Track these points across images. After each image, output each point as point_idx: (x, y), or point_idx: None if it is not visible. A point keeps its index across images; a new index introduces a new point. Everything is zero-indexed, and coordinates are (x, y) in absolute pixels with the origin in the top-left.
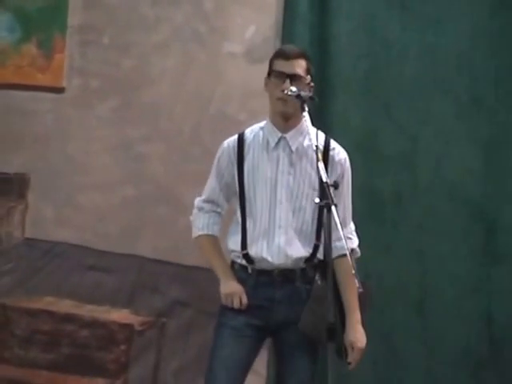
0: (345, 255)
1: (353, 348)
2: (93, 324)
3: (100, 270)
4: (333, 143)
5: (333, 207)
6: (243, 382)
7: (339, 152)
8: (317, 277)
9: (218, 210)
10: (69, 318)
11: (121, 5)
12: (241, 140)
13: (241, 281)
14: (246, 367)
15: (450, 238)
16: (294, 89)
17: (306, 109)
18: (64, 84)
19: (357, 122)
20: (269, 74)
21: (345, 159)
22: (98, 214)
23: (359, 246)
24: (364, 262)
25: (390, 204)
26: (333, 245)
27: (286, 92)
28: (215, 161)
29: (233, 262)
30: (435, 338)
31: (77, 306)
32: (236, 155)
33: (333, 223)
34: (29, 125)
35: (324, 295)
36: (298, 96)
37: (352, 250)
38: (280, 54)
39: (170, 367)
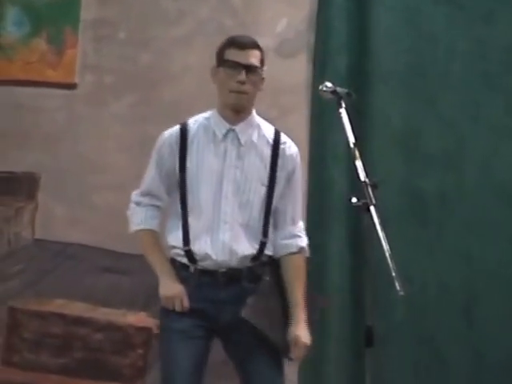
0: (295, 253)
1: (296, 344)
2: (108, 327)
3: (116, 272)
4: (283, 137)
5: (371, 207)
6: (202, 381)
7: (290, 146)
8: (265, 272)
9: (158, 203)
10: (82, 321)
11: (136, 1)
12: (184, 130)
13: (182, 280)
14: (201, 368)
15: (498, 241)
16: (329, 84)
17: (343, 105)
18: (76, 80)
19: (398, 119)
20: (218, 64)
21: (296, 154)
22: (113, 215)
23: (401, 247)
24: (406, 263)
25: (433, 204)
26: (283, 242)
27: (242, 87)
28: (154, 152)
29: (173, 260)
30: (482, 342)
31: (90, 309)
32: (179, 146)
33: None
34: (39, 123)
35: (270, 292)
36: (334, 92)
37: (302, 249)
38: (233, 43)
39: None
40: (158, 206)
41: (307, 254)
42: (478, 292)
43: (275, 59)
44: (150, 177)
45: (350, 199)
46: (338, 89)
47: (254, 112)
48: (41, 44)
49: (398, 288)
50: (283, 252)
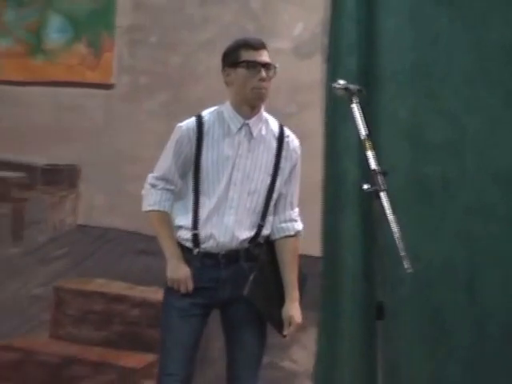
0: (291, 236)
1: (290, 322)
2: (143, 304)
3: (149, 254)
4: (287, 131)
5: (381, 193)
6: (195, 355)
7: (293, 140)
8: (262, 252)
9: (171, 187)
10: (120, 299)
11: (168, 6)
12: (200, 123)
13: (187, 261)
14: (196, 342)
15: (497, 221)
16: (341, 82)
17: (355, 101)
18: (113, 81)
19: (404, 113)
20: (232, 65)
21: (298, 147)
22: None
23: (408, 229)
24: (413, 244)
25: (437, 189)
26: (281, 225)
27: (263, 84)
28: (172, 142)
29: (178, 244)
30: (483, 314)
31: (128, 288)
32: (195, 136)
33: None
34: (79, 120)
35: (267, 269)
36: (346, 89)
37: (298, 232)
38: (247, 45)
39: (217, 344)
40: (171, 190)
41: (302, 236)
42: (479, 268)
43: (292, 60)
44: (167, 164)
45: (362, 186)
46: (350, 86)
47: (263, 108)
48: (80, 48)
49: (406, 266)
50: (281, 235)
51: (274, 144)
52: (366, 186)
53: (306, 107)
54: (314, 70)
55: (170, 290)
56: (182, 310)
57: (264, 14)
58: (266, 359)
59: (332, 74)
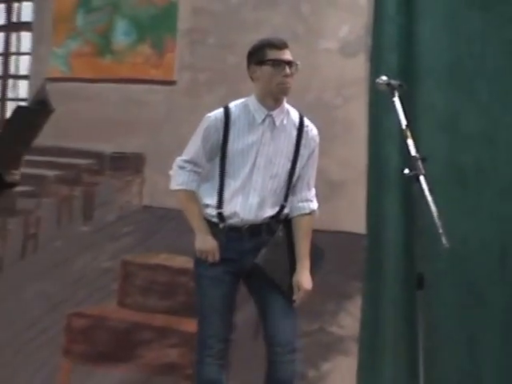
0: (307, 214)
1: (299, 288)
2: None
3: None
4: (306, 121)
5: (421, 177)
6: (231, 318)
7: (312, 129)
8: (280, 229)
9: (199, 170)
10: (182, 271)
11: (224, 10)
12: (227, 113)
13: (213, 235)
14: (231, 307)
15: None
16: (384, 78)
17: (396, 95)
18: (175, 78)
19: (440, 106)
20: (258, 63)
21: (316, 135)
22: None
23: (445, 209)
24: (450, 222)
25: (471, 174)
26: (299, 204)
27: (287, 79)
28: (201, 129)
29: (206, 219)
30: None
31: (188, 261)
32: (223, 125)
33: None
34: (144, 113)
35: (282, 244)
36: (389, 84)
37: (313, 211)
38: (272, 45)
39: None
40: (198, 173)
41: (317, 214)
42: (510, 245)
43: (339, 58)
44: (196, 148)
45: (403, 171)
46: (392, 81)
47: (285, 100)
48: (145, 49)
49: (443, 242)
50: (297, 213)
51: (294, 133)
52: (406, 171)
53: (351, 100)
54: (358, 67)
55: (199, 261)
56: (213, 278)
57: (312, 18)
58: (316, 325)
59: (375, 71)
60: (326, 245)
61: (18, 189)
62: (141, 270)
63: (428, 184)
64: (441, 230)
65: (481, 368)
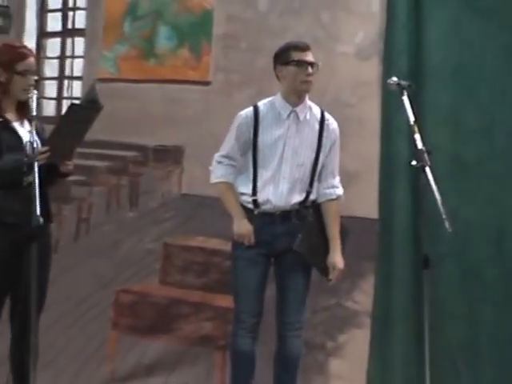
0: (333, 199)
1: (334, 268)
2: None
3: None
4: (327, 115)
5: (427, 168)
6: (263, 296)
7: (332, 122)
8: (310, 214)
9: (234, 163)
10: (217, 252)
11: (254, 18)
12: (256, 111)
13: (249, 220)
14: (263, 286)
15: None
16: (394, 79)
17: (405, 94)
18: (210, 78)
19: (444, 104)
20: (284, 63)
21: (336, 128)
22: None
23: (448, 197)
24: (453, 208)
25: (472, 165)
26: (325, 191)
27: (309, 78)
28: (234, 127)
29: (242, 206)
30: (509, 264)
31: (223, 243)
32: (253, 122)
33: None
34: (183, 110)
35: (314, 228)
36: (399, 84)
37: (339, 196)
38: (297, 47)
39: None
40: (234, 166)
41: (342, 199)
42: (506, 228)
43: (354, 61)
44: (230, 145)
45: (411, 162)
46: (401, 82)
47: (307, 97)
48: (184, 53)
49: (447, 226)
50: (325, 198)
51: (316, 126)
52: (414, 163)
53: (365, 99)
54: (371, 69)
55: (237, 244)
56: (248, 259)
57: (332, 25)
58: (333, 301)
59: (386, 73)
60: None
61: (72, 178)
62: (180, 251)
63: (433, 174)
64: (444, 216)
65: (479, 339)
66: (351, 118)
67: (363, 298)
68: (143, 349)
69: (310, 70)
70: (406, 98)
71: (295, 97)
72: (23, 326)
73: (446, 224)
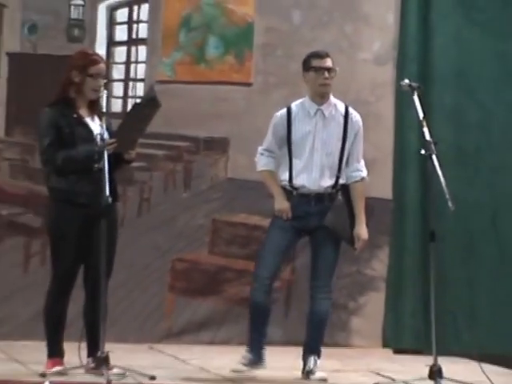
0: (358, 181)
1: (359, 239)
2: None
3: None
4: (350, 109)
5: (433, 156)
6: (283, 263)
7: (355, 116)
8: (339, 195)
9: (274, 155)
10: (257, 227)
11: (289, 29)
12: (289, 112)
13: (287, 199)
14: (283, 254)
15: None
16: (406, 81)
17: (416, 94)
18: (251, 80)
19: (448, 102)
20: (307, 69)
21: (359, 120)
22: None
23: (451, 180)
24: (454, 190)
25: (471, 154)
26: (351, 174)
27: (326, 81)
28: (271, 125)
29: (283, 188)
30: (502, 238)
31: (262, 220)
32: (286, 121)
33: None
34: (228, 107)
35: (342, 206)
36: (410, 86)
37: (363, 178)
38: (317, 56)
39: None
40: (274, 157)
41: (367, 180)
42: (500, 207)
43: (372, 66)
44: (269, 140)
45: (420, 151)
46: (412, 84)
47: (331, 96)
48: (230, 59)
49: (450, 205)
50: (351, 180)
51: (341, 120)
52: (422, 151)
53: (381, 98)
54: (387, 73)
55: (276, 218)
56: (282, 228)
57: (353, 36)
58: (353, 268)
59: (399, 76)
60: None
61: (135, 164)
62: (226, 226)
63: (438, 161)
64: (448, 197)
65: (476, 300)
66: (370, 114)
67: (379, 265)
68: (195, 308)
69: (326, 74)
70: (416, 98)
71: (318, 97)
72: (94, 289)
73: (449, 203)
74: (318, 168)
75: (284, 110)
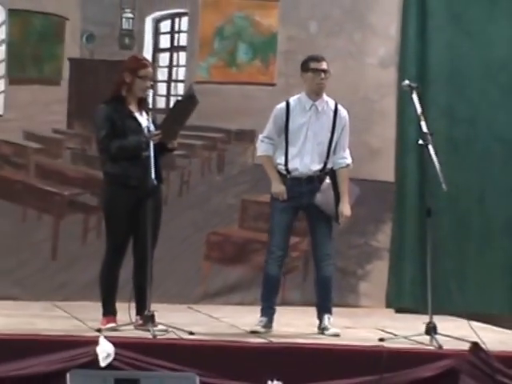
0: (343, 167)
1: (342, 215)
2: None
3: None
4: (339, 106)
5: (429, 145)
6: (289, 236)
7: (343, 112)
8: (327, 178)
9: (272, 142)
10: None
11: (306, 38)
12: (287, 105)
13: (283, 182)
14: (289, 230)
15: (497, 162)
16: (407, 81)
17: (415, 93)
18: (275, 82)
19: (443, 100)
20: (305, 71)
21: (346, 116)
22: None
23: (444, 166)
24: (447, 174)
25: (462, 144)
26: (338, 161)
27: (322, 81)
28: (272, 116)
29: (278, 172)
30: (488, 214)
31: None
32: (285, 113)
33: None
34: (255, 104)
35: (329, 188)
36: (410, 85)
37: (348, 165)
38: (313, 59)
39: None
40: (272, 143)
41: (351, 167)
42: (486, 190)
43: (378, 70)
44: (269, 128)
45: (418, 141)
46: (412, 84)
47: (324, 94)
48: (257, 63)
49: (443, 186)
50: (337, 166)
51: (331, 115)
52: (420, 142)
53: (385, 96)
54: (390, 75)
55: (274, 199)
56: (281, 209)
57: (361, 43)
58: (361, 240)
59: (401, 78)
60: (369, 189)
61: (176, 152)
62: (253, 205)
63: (434, 150)
64: (441, 179)
65: (466, 268)
66: (375, 110)
67: (384, 238)
68: (226, 274)
69: (323, 75)
70: (415, 96)
71: (314, 94)
72: (142, 257)
73: (443, 185)
74: (310, 154)
75: (283, 104)
